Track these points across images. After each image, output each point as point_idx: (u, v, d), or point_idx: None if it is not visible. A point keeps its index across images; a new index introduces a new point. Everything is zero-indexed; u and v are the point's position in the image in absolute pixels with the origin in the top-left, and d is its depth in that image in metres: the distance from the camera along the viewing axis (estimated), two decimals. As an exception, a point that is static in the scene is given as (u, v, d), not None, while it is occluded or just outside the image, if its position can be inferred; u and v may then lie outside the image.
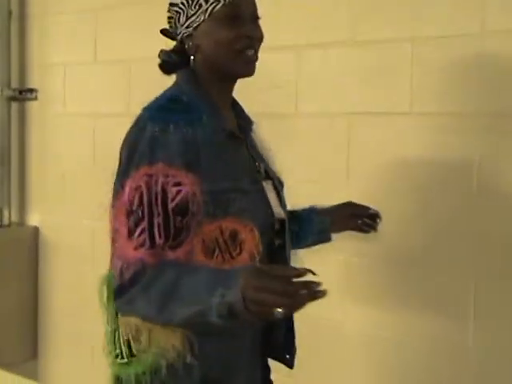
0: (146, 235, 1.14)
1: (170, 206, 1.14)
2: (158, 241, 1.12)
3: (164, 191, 1.14)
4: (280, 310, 0.99)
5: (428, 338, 1.79)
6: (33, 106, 2.78)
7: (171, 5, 1.34)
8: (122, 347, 1.29)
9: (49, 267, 2.82)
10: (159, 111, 1.22)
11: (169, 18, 1.35)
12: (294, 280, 0.98)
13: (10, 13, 2.74)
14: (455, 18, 1.66)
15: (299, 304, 0.98)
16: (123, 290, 1.15)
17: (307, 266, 1.04)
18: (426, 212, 1.77)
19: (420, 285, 1.82)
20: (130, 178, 1.16)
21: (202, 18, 1.30)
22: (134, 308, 1.16)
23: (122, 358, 1.30)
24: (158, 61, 1.38)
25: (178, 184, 1.13)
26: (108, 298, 1.28)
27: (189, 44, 1.32)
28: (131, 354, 1.27)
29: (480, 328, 1.71)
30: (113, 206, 1.21)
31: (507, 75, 1.66)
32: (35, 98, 2.77)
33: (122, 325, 1.24)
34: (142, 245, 1.14)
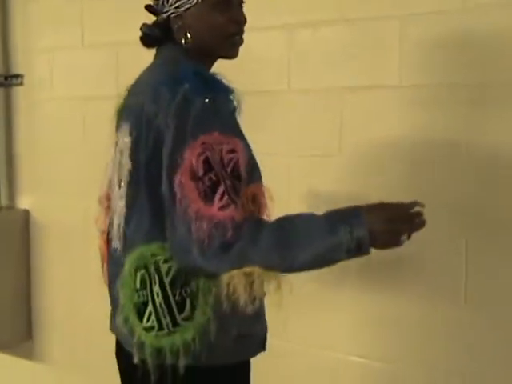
0: (226, 196, 1.20)
1: (229, 170, 1.21)
2: (236, 200, 1.20)
3: (222, 158, 1.21)
4: (404, 236, 1.20)
5: (421, 298, 1.81)
6: (19, 92, 2.77)
7: None
8: (163, 319, 1.33)
9: (41, 249, 2.83)
10: (201, 84, 1.26)
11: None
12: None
13: None
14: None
15: (418, 229, 1.21)
16: (228, 247, 1.19)
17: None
18: (416, 184, 1.79)
19: (411, 252, 1.77)
20: (188, 148, 1.21)
21: (195, 2, 1.36)
22: (250, 259, 1.20)
23: (162, 329, 1.34)
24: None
25: (232, 151, 1.21)
26: (148, 273, 1.33)
27: (178, 24, 1.37)
28: (174, 324, 1.32)
29: (472, 287, 1.74)
30: (170, 175, 1.24)
31: (489, 48, 1.71)
32: (21, 84, 2.76)
33: (227, 279, 1.24)
34: (226, 205, 1.20)
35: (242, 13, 1.41)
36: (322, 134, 1.91)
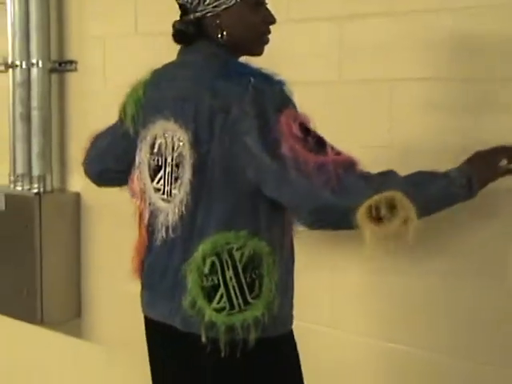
0: (334, 149, 1.36)
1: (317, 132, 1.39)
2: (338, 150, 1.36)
3: (308, 123, 1.38)
4: (504, 164, 1.47)
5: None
6: (72, 78, 2.80)
7: None
8: (235, 300, 1.44)
9: (90, 231, 2.87)
10: (262, 76, 1.40)
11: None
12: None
13: None
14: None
15: None
16: (361, 177, 1.33)
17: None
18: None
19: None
20: (278, 123, 1.34)
21: (233, 2, 1.45)
22: (384, 187, 1.32)
23: (233, 308, 1.45)
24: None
25: (307, 120, 1.38)
26: (220, 260, 1.42)
27: (215, 22, 1.45)
28: (245, 303, 1.44)
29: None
30: (272, 150, 1.34)
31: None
32: (75, 70, 2.79)
33: (370, 202, 1.31)
34: (338, 152, 1.35)
35: (272, 14, 1.51)
36: (372, 125, 1.91)
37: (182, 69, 1.55)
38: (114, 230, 2.70)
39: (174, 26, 1.55)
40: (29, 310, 2.80)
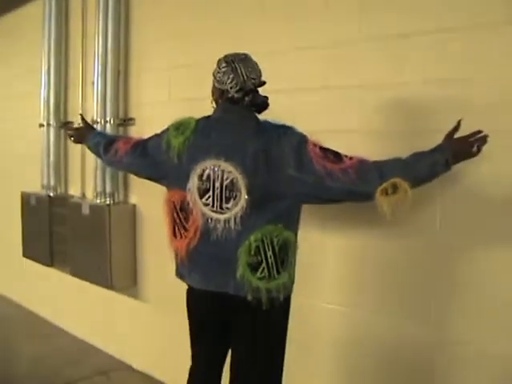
0: (347, 156, 1.61)
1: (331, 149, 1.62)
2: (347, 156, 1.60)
3: (322, 147, 1.62)
4: (475, 148, 1.55)
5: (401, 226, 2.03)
6: (132, 129, 3.30)
7: (259, 70, 1.77)
8: (272, 271, 1.65)
9: (142, 228, 3.35)
10: (286, 126, 1.68)
11: (255, 76, 1.75)
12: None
13: (118, 72, 3.31)
14: None
15: (483, 143, 1.55)
16: (369, 170, 1.57)
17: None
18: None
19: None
20: (306, 150, 1.60)
21: (263, 82, 1.77)
22: (388, 176, 1.55)
23: (271, 277, 1.67)
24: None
25: (321, 144, 1.64)
26: (263, 244, 1.63)
27: (257, 95, 1.76)
28: (278, 273, 1.66)
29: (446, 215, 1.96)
30: (307, 170, 1.58)
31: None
32: (134, 124, 3.30)
33: (384, 185, 1.55)
34: (351, 158, 1.60)
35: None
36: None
37: (227, 124, 1.74)
38: (156, 227, 3.09)
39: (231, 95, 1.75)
40: (103, 279, 3.28)
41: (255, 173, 1.61)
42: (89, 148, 2.26)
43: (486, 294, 1.89)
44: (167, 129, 1.87)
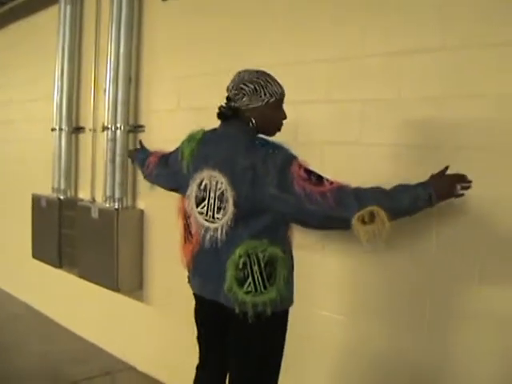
0: (329, 181, 1.57)
1: (315, 171, 1.59)
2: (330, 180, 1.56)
3: (307, 167, 1.58)
4: (460, 191, 1.52)
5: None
6: (142, 136, 3.28)
7: (240, 88, 1.70)
8: (258, 286, 1.65)
9: (149, 232, 3.40)
10: (276, 146, 1.64)
11: (235, 93, 1.71)
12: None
13: (130, 79, 3.36)
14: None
15: (467, 187, 1.54)
16: (349, 195, 1.52)
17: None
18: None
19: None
20: (290, 170, 1.57)
21: (260, 104, 1.71)
22: (367, 203, 1.50)
23: (257, 292, 1.66)
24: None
25: (306, 165, 1.61)
26: (249, 258, 1.62)
27: (246, 114, 1.70)
28: (265, 288, 1.65)
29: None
30: (288, 188, 1.55)
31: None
32: (143, 131, 3.35)
33: (360, 213, 1.50)
34: (331, 182, 1.56)
35: (285, 113, 1.76)
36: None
37: (224, 137, 1.74)
38: (163, 232, 3.22)
39: (219, 108, 1.77)
40: (109, 282, 3.32)
41: (241, 187, 1.64)
42: (138, 168, 2.36)
43: (481, 314, 1.90)
44: (184, 140, 1.94)
